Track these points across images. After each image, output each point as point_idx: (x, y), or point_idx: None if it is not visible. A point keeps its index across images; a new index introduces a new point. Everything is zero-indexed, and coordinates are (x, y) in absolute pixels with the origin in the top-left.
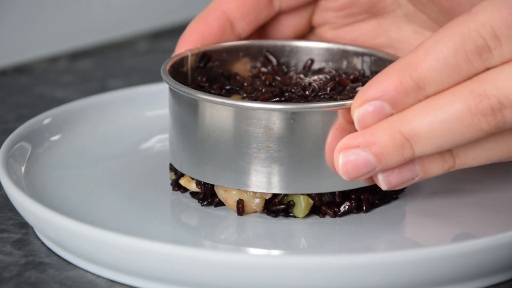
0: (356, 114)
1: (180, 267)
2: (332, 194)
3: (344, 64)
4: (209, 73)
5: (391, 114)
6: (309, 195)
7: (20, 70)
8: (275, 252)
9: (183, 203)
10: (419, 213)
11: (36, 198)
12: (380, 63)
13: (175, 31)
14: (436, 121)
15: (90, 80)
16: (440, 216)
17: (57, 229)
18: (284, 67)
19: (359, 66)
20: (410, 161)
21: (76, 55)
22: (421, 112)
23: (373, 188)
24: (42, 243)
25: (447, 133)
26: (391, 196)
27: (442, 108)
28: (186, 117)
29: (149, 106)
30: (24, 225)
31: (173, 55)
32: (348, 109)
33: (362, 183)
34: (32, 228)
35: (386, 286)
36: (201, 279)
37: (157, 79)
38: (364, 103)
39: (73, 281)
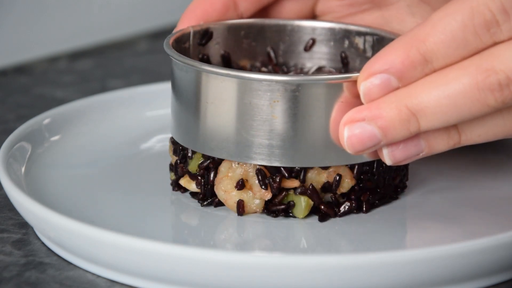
0: (362, 87)
1: (180, 267)
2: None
3: (346, 43)
4: (210, 52)
5: (398, 88)
6: (310, 196)
7: (20, 70)
8: (275, 252)
9: (183, 203)
10: (419, 213)
11: (36, 198)
12: (383, 42)
13: None
14: (443, 95)
15: (90, 80)
16: (440, 216)
17: (57, 229)
18: (284, 67)
19: (361, 46)
20: (416, 136)
21: (76, 55)
22: (427, 86)
23: (374, 189)
24: (42, 243)
25: (453, 108)
26: (391, 196)
27: (449, 82)
28: (190, 90)
29: (149, 106)
30: (24, 225)
31: (175, 30)
32: (354, 82)
33: (366, 158)
34: (32, 228)
35: (386, 286)
36: (201, 279)
37: (157, 79)
38: (370, 76)
39: (73, 281)
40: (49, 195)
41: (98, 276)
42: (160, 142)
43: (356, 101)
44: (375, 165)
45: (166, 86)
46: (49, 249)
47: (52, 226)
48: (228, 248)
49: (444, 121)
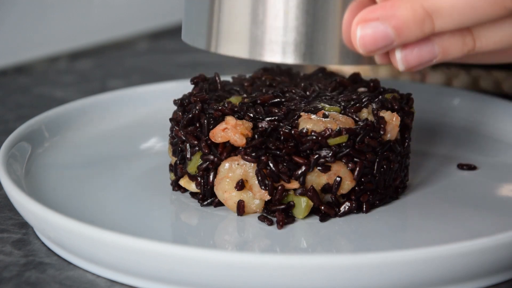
0: None
1: (180, 267)
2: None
3: None
4: None
5: None
6: (310, 197)
7: (20, 70)
8: (275, 252)
9: (183, 203)
10: (419, 213)
11: (36, 198)
12: None
13: (175, 31)
14: None
15: (90, 80)
16: (440, 216)
17: (57, 229)
18: None
19: None
20: (430, 40)
21: (76, 55)
22: None
23: (374, 189)
24: (42, 243)
25: (470, 9)
26: (391, 196)
27: None
28: None
29: (149, 106)
30: (24, 225)
31: None
32: None
33: (377, 61)
34: (32, 228)
35: (386, 286)
36: (201, 279)
37: (157, 79)
38: None
39: (73, 281)
40: (49, 195)
41: (98, 276)
42: (160, 142)
43: (370, 2)
44: (375, 167)
45: (166, 86)
46: (49, 249)
47: (52, 226)
48: (228, 248)
49: (459, 23)
